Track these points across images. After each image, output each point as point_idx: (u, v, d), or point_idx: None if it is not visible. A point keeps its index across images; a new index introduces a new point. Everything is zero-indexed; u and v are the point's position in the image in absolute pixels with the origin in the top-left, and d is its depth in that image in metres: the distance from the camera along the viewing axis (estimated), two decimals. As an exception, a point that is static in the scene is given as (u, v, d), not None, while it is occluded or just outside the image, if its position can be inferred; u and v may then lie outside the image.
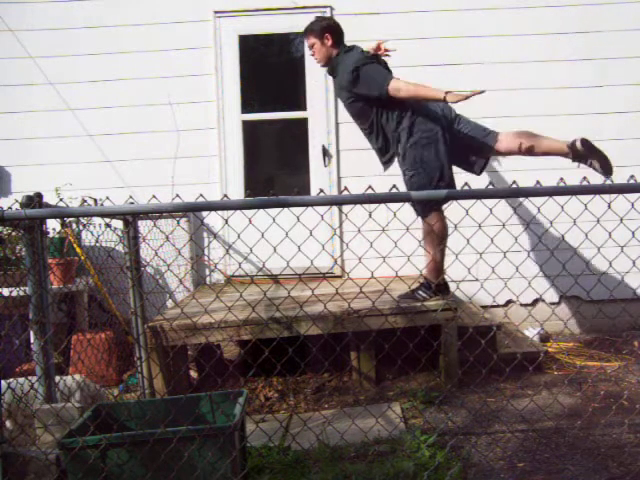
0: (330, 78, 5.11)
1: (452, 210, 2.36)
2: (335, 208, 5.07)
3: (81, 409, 2.51)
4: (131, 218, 3.41)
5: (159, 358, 3.55)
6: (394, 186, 2.13)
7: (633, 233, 2.38)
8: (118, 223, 3.53)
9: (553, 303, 5.06)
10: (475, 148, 3.82)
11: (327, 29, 3.76)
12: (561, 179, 2.20)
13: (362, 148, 5.10)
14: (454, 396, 3.49)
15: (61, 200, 4.54)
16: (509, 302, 5.01)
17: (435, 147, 3.71)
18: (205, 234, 5.22)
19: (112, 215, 3.18)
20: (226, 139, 5.20)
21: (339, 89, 3.85)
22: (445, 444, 2.70)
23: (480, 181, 5.01)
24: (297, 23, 5.19)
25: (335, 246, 5.12)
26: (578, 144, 3.60)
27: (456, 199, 2.13)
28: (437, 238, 3.59)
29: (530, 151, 3.74)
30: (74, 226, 4.52)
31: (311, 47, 3.83)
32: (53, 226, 4.47)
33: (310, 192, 5.13)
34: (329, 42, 3.77)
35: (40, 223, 2.60)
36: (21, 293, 2.66)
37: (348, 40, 5.13)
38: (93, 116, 5.14)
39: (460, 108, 5.09)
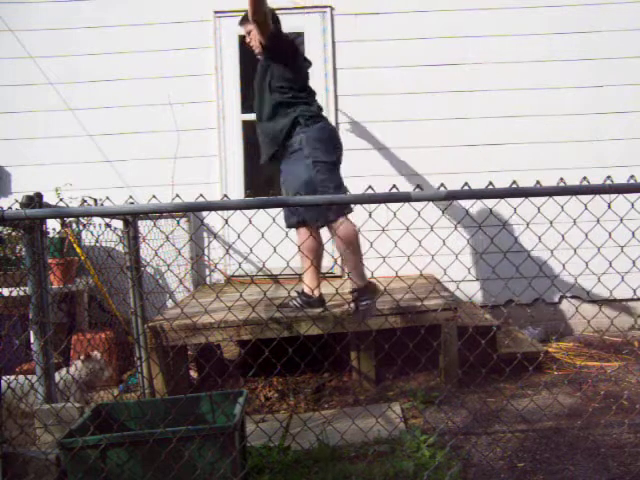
0: (330, 78, 5.13)
1: (452, 210, 2.35)
2: (335, 208, 5.06)
3: (81, 409, 2.51)
4: (131, 218, 3.41)
5: (159, 358, 3.55)
6: (394, 186, 2.13)
7: (633, 233, 2.38)
8: (118, 223, 3.53)
9: (553, 303, 5.07)
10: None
11: None
12: (561, 179, 2.20)
13: (362, 148, 5.13)
14: (454, 396, 3.49)
15: (61, 200, 4.54)
16: (509, 302, 5.02)
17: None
18: (205, 234, 5.22)
19: (112, 215, 3.18)
20: (226, 139, 5.20)
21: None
22: (445, 444, 2.70)
23: (480, 181, 5.03)
24: (297, 23, 5.20)
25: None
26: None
27: (456, 199, 2.13)
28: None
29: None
30: (74, 226, 4.52)
31: (248, 34, 3.79)
32: (53, 226, 4.47)
33: (310, 192, 5.12)
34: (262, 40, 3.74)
35: (40, 223, 2.60)
36: (21, 293, 2.66)
37: (349, 39, 5.17)
38: (93, 116, 5.14)
39: (460, 108, 5.12)
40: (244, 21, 3.78)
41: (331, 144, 3.63)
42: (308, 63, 3.87)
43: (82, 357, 3.39)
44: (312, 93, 3.78)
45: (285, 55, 3.63)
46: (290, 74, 3.63)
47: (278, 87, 3.61)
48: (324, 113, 3.82)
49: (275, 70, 3.62)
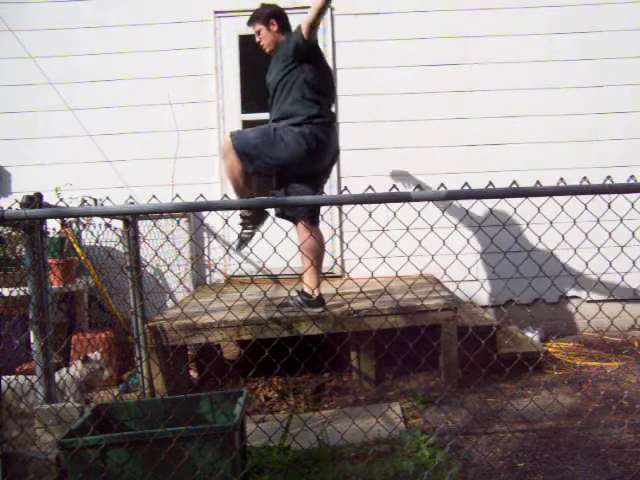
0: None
1: (452, 210, 2.36)
2: (335, 208, 5.07)
3: (81, 409, 2.51)
4: (131, 218, 3.41)
5: (159, 358, 3.55)
6: (394, 186, 2.13)
7: (633, 233, 2.38)
8: (118, 223, 3.53)
9: (553, 303, 5.07)
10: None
11: (272, 15, 3.72)
12: (561, 179, 2.20)
13: (362, 148, 5.13)
14: (454, 396, 3.49)
15: (61, 200, 4.54)
16: (509, 302, 5.02)
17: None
18: (205, 234, 5.22)
19: (112, 215, 3.17)
20: (226, 139, 5.20)
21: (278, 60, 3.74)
22: (445, 444, 2.70)
23: (480, 181, 5.03)
24: (297, 23, 5.18)
25: (335, 246, 5.12)
26: None
27: (456, 199, 2.13)
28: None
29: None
30: (74, 226, 4.52)
31: (258, 34, 3.79)
32: (53, 226, 4.47)
33: (310, 192, 5.12)
34: (275, 28, 3.72)
35: (40, 223, 2.60)
36: (21, 293, 2.66)
37: (349, 40, 5.17)
38: (93, 116, 5.14)
39: (460, 108, 5.12)
40: (253, 21, 3.79)
41: (305, 152, 3.57)
42: (329, 70, 3.87)
43: (82, 358, 3.39)
44: (329, 99, 3.78)
45: (315, 55, 3.66)
46: (314, 75, 3.63)
47: (300, 88, 3.60)
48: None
49: (302, 69, 3.61)
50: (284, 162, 3.60)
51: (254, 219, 3.83)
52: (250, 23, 3.82)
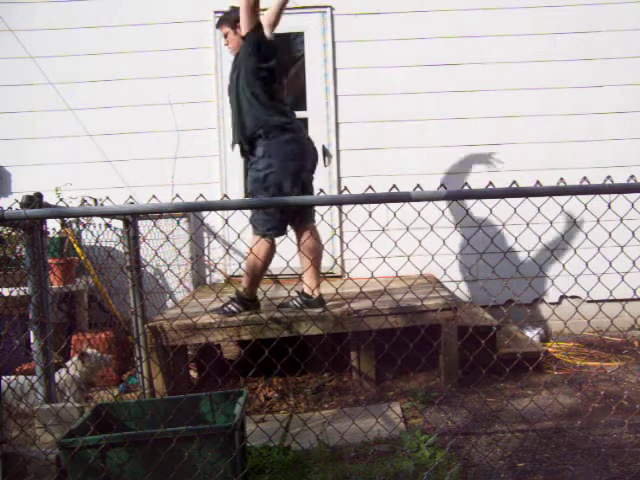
0: (330, 78, 5.13)
1: (452, 210, 2.36)
2: (335, 208, 5.07)
3: (81, 409, 2.51)
4: (131, 218, 3.41)
5: (159, 358, 3.55)
6: (394, 186, 2.13)
7: (633, 233, 2.38)
8: (118, 223, 3.53)
9: (553, 303, 5.07)
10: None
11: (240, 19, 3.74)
12: (561, 179, 2.20)
13: (362, 148, 5.13)
14: (454, 396, 3.49)
15: (61, 200, 4.54)
16: (509, 302, 5.02)
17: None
18: (205, 234, 5.22)
19: (112, 215, 3.18)
20: (226, 139, 5.19)
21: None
22: (445, 444, 2.70)
23: (480, 181, 5.03)
24: (297, 23, 5.20)
25: (335, 246, 5.12)
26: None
27: (456, 199, 2.13)
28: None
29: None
30: (74, 226, 4.52)
31: (225, 36, 3.81)
32: (53, 226, 4.47)
33: (310, 192, 5.12)
34: (241, 32, 3.74)
35: (40, 223, 2.60)
36: (21, 293, 2.67)
37: (349, 39, 5.17)
38: (93, 116, 5.14)
39: (460, 108, 5.12)
40: (221, 23, 3.82)
41: (290, 160, 3.60)
42: (284, 68, 3.91)
43: (78, 355, 3.37)
44: (283, 100, 3.78)
45: (262, 52, 3.65)
46: (264, 74, 3.64)
47: (251, 85, 3.61)
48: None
49: (249, 67, 3.63)
50: (285, 182, 3.56)
51: (248, 305, 3.73)
52: (218, 25, 3.86)
